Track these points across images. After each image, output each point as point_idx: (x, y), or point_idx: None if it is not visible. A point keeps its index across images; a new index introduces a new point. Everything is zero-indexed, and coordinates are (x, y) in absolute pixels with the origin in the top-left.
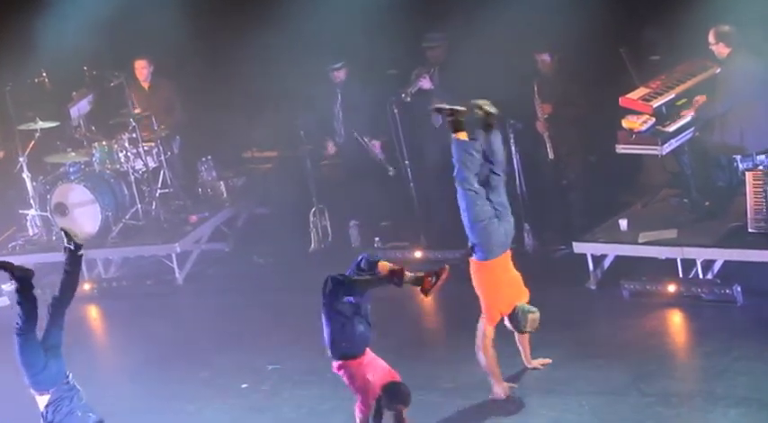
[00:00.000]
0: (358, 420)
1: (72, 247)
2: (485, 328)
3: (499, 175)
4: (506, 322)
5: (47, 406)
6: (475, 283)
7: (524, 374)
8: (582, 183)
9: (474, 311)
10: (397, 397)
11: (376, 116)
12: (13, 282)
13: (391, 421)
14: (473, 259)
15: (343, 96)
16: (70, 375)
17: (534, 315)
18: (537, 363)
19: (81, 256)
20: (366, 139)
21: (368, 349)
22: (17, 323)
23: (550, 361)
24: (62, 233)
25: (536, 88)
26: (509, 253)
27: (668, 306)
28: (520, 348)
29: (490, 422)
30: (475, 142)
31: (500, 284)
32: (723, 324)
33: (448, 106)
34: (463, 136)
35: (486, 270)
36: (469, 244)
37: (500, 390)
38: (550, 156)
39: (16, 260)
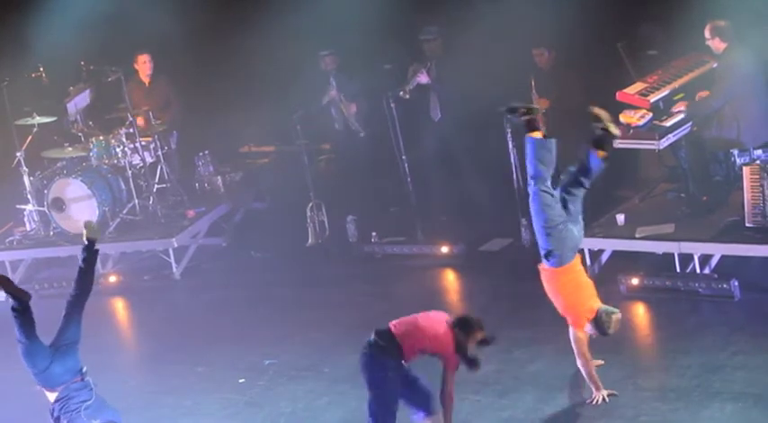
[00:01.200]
0: (449, 386)
1: (87, 243)
2: (577, 334)
3: (586, 186)
4: (587, 328)
5: (55, 402)
6: (552, 291)
7: (522, 370)
8: None
9: (474, 305)
10: (470, 325)
11: (371, 109)
12: (9, 299)
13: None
14: (546, 267)
15: (337, 84)
16: (86, 373)
17: (617, 316)
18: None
19: (97, 251)
20: (343, 98)
21: None
22: (17, 335)
23: (602, 362)
24: (83, 227)
25: (533, 83)
26: (579, 256)
27: (665, 301)
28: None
29: (488, 417)
30: (551, 141)
31: (579, 288)
32: (720, 319)
33: (523, 105)
34: (539, 134)
35: (562, 276)
36: (542, 252)
37: (598, 395)
38: None
39: (14, 255)
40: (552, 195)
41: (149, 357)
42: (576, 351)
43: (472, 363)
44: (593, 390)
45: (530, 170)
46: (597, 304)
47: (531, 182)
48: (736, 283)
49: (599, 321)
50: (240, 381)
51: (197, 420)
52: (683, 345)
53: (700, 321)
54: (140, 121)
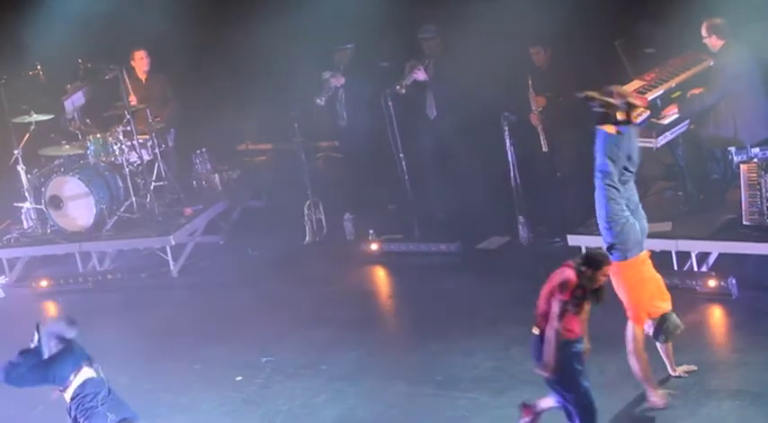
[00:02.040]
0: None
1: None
2: (634, 332)
3: (632, 171)
4: (647, 328)
5: (71, 401)
6: (616, 285)
7: (519, 368)
8: (577, 175)
9: (471, 303)
10: (597, 261)
11: (371, 106)
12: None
13: None
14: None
15: (345, 76)
16: (98, 371)
17: (680, 330)
18: (681, 370)
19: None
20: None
21: None
22: (7, 372)
23: (696, 368)
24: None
25: (530, 81)
26: (648, 253)
27: None
28: (663, 358)
29: (485, 415)
30: (622, 137)
31: (642, 283)
32: (717, 317)
33: (601, 97)
34: (611, 129)
35: (625, 270)
36: (605, 245)
37: (656, 398)
38: (544, 148)
39: (11, 253)
40: (618, 190)
41: (146, 355)
42: (629, 348)
43: (597, 296)
44: (650, 393)
45: (597, 163)
46: (666, 306)
47: (597, 175)
48: (734, 281)
49: (662, 328)
50: (237, 378)
51: (194, 418)
52: (680, 342)
53: (697, 319)
54: (133, 100)
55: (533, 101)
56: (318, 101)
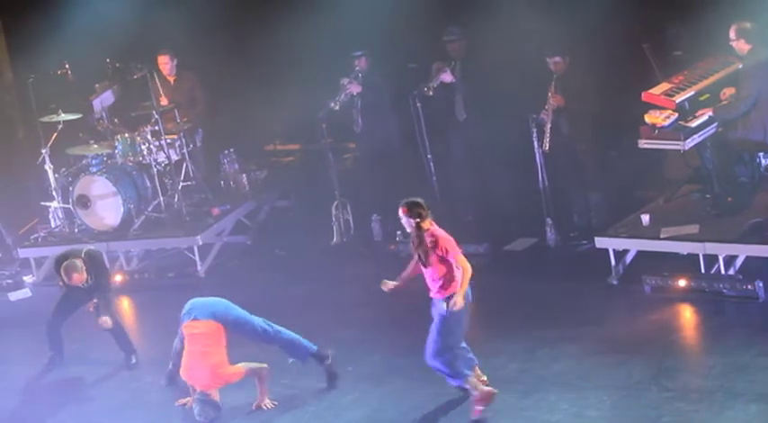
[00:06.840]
0: None
1: None
2: None
3: None
4: None
5: None
6: None
7: (545, 370)
8: (600, 179)
9: (498, 305)
10: None
11: (396, 108)
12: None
13: None
14: None
15: (363, 85)
16: None
17: None
18: None
19: None
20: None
21: None
22: None
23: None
24: None
25: (554, 83)
26: None
27: (690, 301)
28: None
29: (510, 416)
30: None
31: None
32: (744, 320)
33: None
34: None
35: None
36: None
37: None
38: (545, 147)
39: (39, 252)
40: None
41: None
42: None
43: None
44: None
45: None
46: None
47: None
48: (761, 284)
49: None
50: None
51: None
52: (707, 345)
53: (724, 322)
54: (164, 101)
55: (551, 98)
56: (332, 105)
